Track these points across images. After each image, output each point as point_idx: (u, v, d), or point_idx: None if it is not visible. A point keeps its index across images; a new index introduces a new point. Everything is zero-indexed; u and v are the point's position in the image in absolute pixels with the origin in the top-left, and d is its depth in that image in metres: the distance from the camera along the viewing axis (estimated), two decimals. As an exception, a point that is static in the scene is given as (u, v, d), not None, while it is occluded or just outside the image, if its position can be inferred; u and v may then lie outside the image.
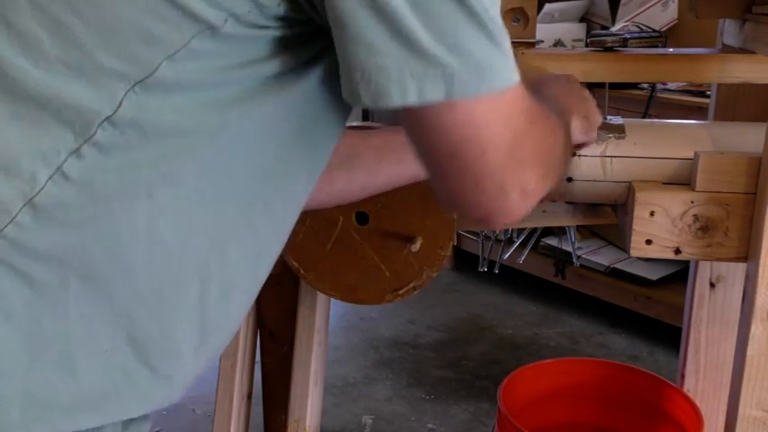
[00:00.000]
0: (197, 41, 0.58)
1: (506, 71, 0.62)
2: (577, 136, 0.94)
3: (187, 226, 0.64)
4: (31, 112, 0.58)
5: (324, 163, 0.75)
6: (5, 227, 0.58)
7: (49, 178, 0.58)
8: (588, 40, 1.10)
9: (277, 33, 0.62)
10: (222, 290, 0.69)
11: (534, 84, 0.88)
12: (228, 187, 0.66)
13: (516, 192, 0.66)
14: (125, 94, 0.58)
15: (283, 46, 0.63)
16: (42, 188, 0.58)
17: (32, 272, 0.60)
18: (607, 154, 0.99)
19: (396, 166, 0.94)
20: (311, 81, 0.66)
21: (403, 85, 0.58)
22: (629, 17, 2.70)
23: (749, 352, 0.92)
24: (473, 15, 0.58)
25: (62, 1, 0.57)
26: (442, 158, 0.64)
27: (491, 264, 1.29)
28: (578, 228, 2.00)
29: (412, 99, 0.58)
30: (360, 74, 0.58)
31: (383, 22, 0.56)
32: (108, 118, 0.58)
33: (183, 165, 0.62)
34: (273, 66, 0.63)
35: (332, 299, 1.20)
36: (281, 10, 0.60)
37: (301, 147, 0.70)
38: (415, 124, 0.63)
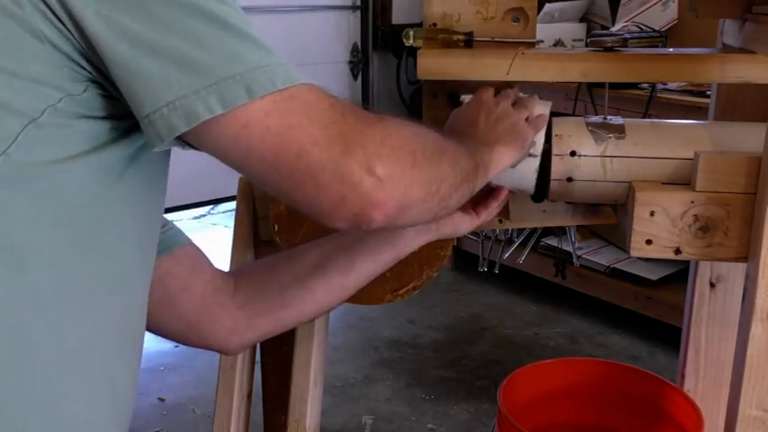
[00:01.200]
0: (26, 135, 0.62)
1: (288, 71, 0.66)
2: (518, 141, 0.93)
3: (68, 327, 0.68)
4: None
5: (154, 243, 0.79)
6: None
7: None
8: (588, 40, 1.10)
9: (97, 123, 0.66)
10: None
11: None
12: (111, 276, 0.71)
13: (362, 176, 0.67)
14: None
15: (109, 134, 0.67)
16: None
17: None
18: (607, 154, 0.99)
19: (370, 255, 0.97)
20: (137, 165, 0.71)
21: (205, 101, 0.62)
22: (629, 17, 2.71)
23: (749, 352, 0.92)
24: (236, 30, 0.64)
25: None
26: (270, 175, 0.67)
27: (491, 264, 1.29)
28: (578, 228, 2.00)
29: (218, 110, 0.63)
30: (167, 108, 0.63)
31: (163, 60, 0.62)
32: None
33: (45, 263, 0.66)
34: (117, 151, 0.68)
35: (332, 299, 1.20)
36: (89, 96, 0.64)
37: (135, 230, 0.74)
38: (230, 157, 0.66)
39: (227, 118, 0.63)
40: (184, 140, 0.66)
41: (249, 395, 1.34)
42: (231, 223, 1.20)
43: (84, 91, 0.65)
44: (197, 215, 3.98)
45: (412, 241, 0.98)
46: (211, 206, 4.07)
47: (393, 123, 0.73)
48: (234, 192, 1.20)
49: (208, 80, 0.62)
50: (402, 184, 0.70)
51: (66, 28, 0.62)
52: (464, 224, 0.99)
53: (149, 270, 0.79)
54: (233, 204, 1.19)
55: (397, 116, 0.75)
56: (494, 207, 1.01)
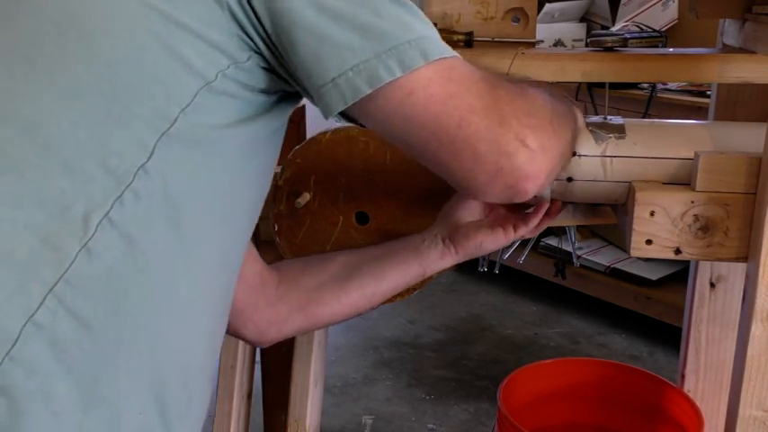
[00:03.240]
0: (200, 97, 0.65)
1: (444, 43, 0.69)
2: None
3: (201, 285, 0.70)
4: (80, 162, 0.62)
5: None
6: (67, 270, 0.61)
7: (99, 224, 0.62)
8: (588, 40, 1.10)
9: (253, 94, 0.69)
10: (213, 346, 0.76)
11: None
12: (231, 244, 0.73)
13: (518, 147, 0.69)
14: (155, 144, 0.64)
15: (261, 107, 0.70)
16: (94, 233, 0.61)
17: (92, 319, 0.62)
18: (607, 154, 0.99)
19: (400, 267, 0.99)
20: (271, 140, 0.75)
21: (386, 64, 0.65)
22: (629, 17, 2.70)
23: (749, 352, 0.92)
24: (402, 2, 0.68)
25: (103, 63, 0.64)
26: (429, 144, 0.69)
27: (491, 264, 1.29)
28: (578, 228, 2.00)
29: (398, 72, 0.65)
30: (351, 71, 0.65)
31: (347, 26, 0.65)
32: (143, 165, 0.64)
33: (195, 223, 0.68)
34: (261, 126, 0.71)
35: (332, 299, 1.20)
36: (251, 65, 0.68)
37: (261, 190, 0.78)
38: (392, 125, 0.69)
39: (396, 85, 0.66)
40: (346, 113, 0.69)
41: (249, 395, 1.34)
42: (231, 223, 1.20)
43: (248, 60, 0.68)
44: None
45: (437, 262, 1.00)
46: (211, 206, 4.07)
47: (533, 93, 0.75)
48: (234, 192, 1.20)
49: (387, 44, 0.65)
50: (549, 155, 0.72)
51: None
52: (490, 242, 0.99)
53: (247, 243, 0.82)
54: (233, 204, 1.19)
55: (528, 82, 0.78)
56: (534, 222, 0.99)
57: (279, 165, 1.12)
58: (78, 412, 0.61)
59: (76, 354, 0.61)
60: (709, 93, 1.75)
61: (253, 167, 0.73)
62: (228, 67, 0.66)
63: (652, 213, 0.95)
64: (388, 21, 0.66)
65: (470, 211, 1.00)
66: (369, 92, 0.66)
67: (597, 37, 1.08)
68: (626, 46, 1.06)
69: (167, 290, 0.67)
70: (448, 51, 0.68)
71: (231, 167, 0.70)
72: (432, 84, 0.67)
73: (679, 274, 2.55)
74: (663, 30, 2.47)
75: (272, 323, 0.97)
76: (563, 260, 2.76)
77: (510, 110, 0.69)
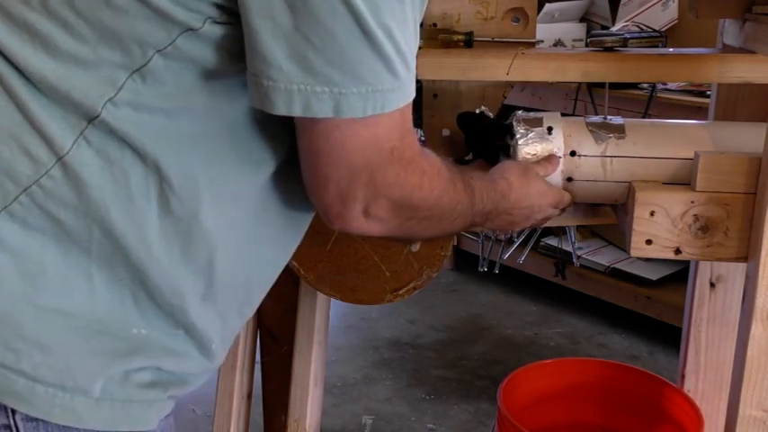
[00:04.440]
0: (182, 40, 0.67)
1: (390, 97, 0.68)
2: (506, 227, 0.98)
3: (197, 198, 0.72)
4: (52, 93, 0.69)
5: None
6: (41, 177, 0.69)
7: (74, 142, 0.69)
8: (588, 40, 1.10)
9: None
10: (230, 257, 0.77)
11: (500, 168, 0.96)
12: (228, 166, 0.74)
13: (357, 207, 0.73)
14: (125, 81, 0.68)
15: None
16: (69, 150, 0.69)
17: (62, 217, 0.70)
18: (607, 154, 0.99)
19: None
20: None
21: (289, 99, 0.66)
22: (629, 17, 2.70)
23: (749, 352, 0.92)
24: (374, 45, 0.65)
25: (69, 7, 0.68)
26: (306, 156, 0.72)
27: (491, 264, 1.29)
28: (578, 228, 2.00)
29: (297, 112, 0.66)
30: (254, 78, 0.67)
31: (282, 40, 0.64)
32: (110, 99, 0.68)
33: (177, 140, 0.71)
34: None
35: (332, 299, 1.20)
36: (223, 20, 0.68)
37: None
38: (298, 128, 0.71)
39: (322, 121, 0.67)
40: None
41: (249, 395, 1.34)
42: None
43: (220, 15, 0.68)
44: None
45: None
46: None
47: (428, 188, 0.77)
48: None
49: (307, 81, 0.65)
50: (382, 226, 0.75)
51: None
52: None
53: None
54: (233, 204, 1.19)
55: (446, 162, 0.80)
56: None
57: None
58: (60, 267, 0.70)
59: (48, 235, 0.70)
60: (709, 93, 1.76)
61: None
62: (220, 16, 0.67)
63: (652, 213, 0.95)
64: (332, 59, 0.64)
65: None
66: (257, 107, 0.68)
67: (597, 37, 1.08)
68: (626, 46, 1.07)
69: (142, 200, 0.71)
70: (373, 107, 0.67)
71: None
72: (337, 129, 0.68)
73: (679, 274, 2.55)
74: (663, 30, 2.47)
75: None
76: (563, 260, 2.75)
77: (380, 190, 0.72)
